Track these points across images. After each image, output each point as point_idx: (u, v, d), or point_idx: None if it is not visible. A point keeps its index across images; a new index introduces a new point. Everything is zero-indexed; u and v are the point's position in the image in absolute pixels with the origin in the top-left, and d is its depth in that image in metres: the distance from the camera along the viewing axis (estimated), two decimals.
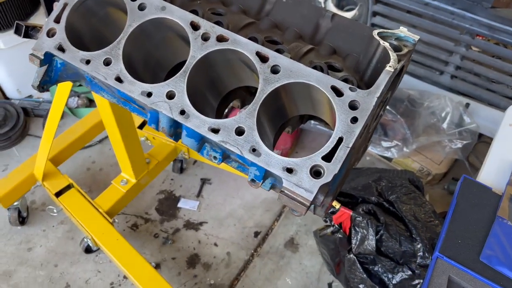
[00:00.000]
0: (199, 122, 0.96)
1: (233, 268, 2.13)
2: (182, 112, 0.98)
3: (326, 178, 0.87)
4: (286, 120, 1.19)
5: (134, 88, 1.01)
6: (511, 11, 2.05)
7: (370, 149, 2.52)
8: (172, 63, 1.24)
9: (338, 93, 0.92)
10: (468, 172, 2.44)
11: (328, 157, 0.88)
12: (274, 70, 0.96)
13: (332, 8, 2.57)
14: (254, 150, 0.93)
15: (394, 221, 1.42)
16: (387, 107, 2.32)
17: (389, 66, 0.90)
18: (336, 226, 1.66)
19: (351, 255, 1.50)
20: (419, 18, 2.18)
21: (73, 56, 1.05)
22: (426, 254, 1.34)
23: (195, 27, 1.02)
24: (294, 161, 0.89)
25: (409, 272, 1.37)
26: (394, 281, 1.40)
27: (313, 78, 0.93)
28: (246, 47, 0.98)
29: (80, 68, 1.05)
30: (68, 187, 2.05)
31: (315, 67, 1.04)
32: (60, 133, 2.24)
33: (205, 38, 1.01)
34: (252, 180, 0.97)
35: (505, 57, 2.12)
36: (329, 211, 1.71)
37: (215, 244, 2.19)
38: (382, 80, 0.90)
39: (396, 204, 1.45)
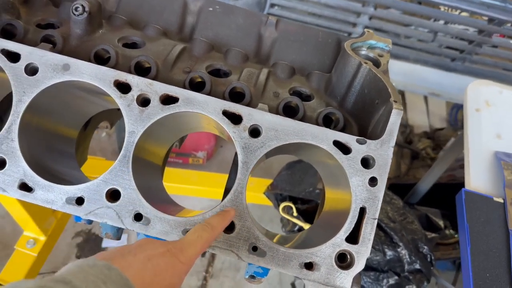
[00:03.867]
0: (167, 226, 0.68)
1: None
2: (138, 217, 0.69)
3: (358, 266, 0.68)
4: None
5: (54, 195, 0.68)
6: None
7: None
8: (79, 126, 0.90)
9: (344, 149, 0.71)
10: None
11: (353, 237, 0.69)
12: (254, 132, 0.71)
13: None
14: (255, 248, 0.69)
15: None
16: None
17: (396, 103, 0.71)
18: None
19: None
20: None
21: None
22: (413, 258, 1.27)
23: (122, 87, 0.71)
24: (312, 252, 0.68)
25: (396, 277, 1.29)
26: None
27: (307, 134, 0.71)
28: (207, 107, 0.70)
29: None
30: None
31: (289, 109, 0.81)
32: None
33: (143, 102, 0.71)
34: (252, 277, 0.74)
35: (411, 11, 2.08)
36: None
37: None
38: (394, 125, 0.71)
39: None
